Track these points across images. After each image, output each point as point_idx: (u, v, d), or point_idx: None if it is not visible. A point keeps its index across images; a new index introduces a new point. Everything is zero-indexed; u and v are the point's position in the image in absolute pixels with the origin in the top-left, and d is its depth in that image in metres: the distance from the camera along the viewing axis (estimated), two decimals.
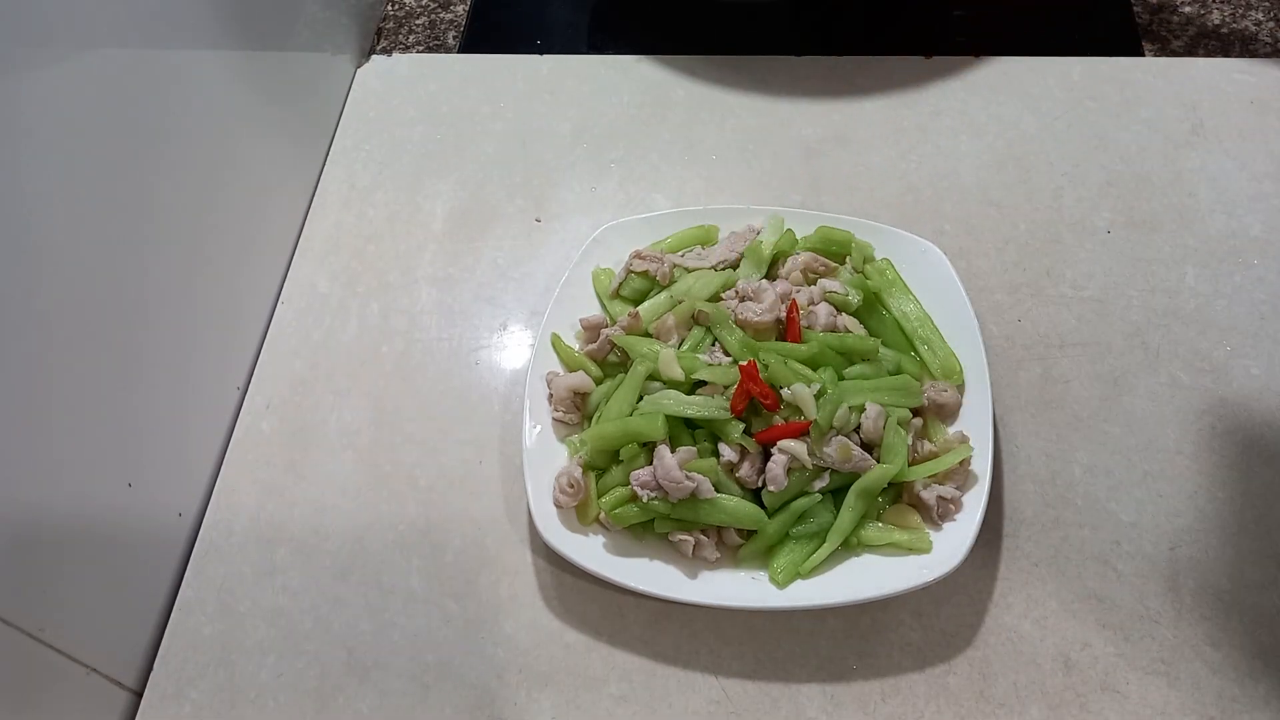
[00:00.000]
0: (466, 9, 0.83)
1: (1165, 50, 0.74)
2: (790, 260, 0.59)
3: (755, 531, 0.51)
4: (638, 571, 0.51)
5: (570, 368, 0.58)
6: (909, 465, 0.52)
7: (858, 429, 0.52)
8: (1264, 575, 0.52)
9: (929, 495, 0.51)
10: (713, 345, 0.56)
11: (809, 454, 0.51)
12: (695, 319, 0.57)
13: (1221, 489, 0.55)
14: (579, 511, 0.53)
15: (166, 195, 0.56)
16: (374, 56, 0.80)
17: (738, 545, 0.52)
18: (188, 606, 0.56)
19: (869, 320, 0.57)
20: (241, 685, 0.53)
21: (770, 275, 0.60)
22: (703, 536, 0.51)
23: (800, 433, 0.51)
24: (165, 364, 0.56)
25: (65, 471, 0.49)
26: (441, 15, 0.83)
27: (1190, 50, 0.74)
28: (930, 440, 0.54)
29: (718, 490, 0.51)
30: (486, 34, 0.82)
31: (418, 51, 0.81)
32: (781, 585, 0.50)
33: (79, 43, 0.49)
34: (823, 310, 0.55)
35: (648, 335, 0.57)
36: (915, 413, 0.54)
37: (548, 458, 0.55)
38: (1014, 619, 0.52)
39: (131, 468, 0.53)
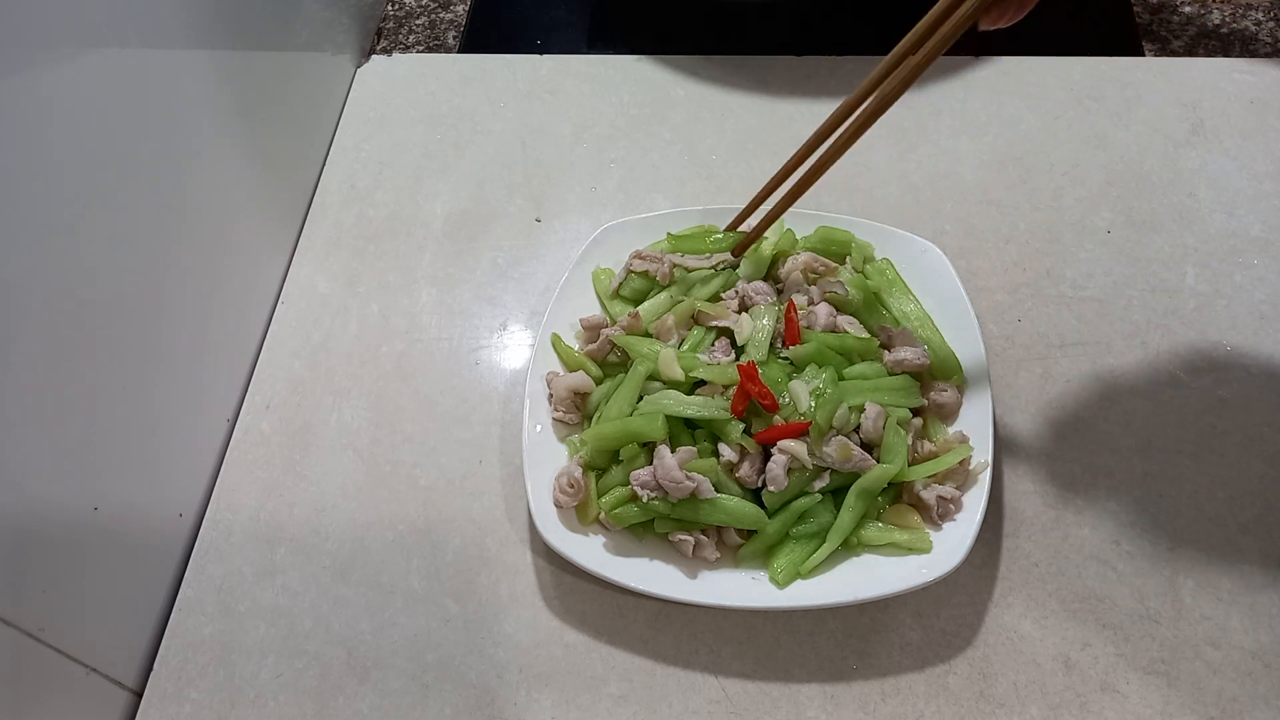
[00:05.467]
0: (466, 9, 0.83)
1: (1165, 50, 0.74)
2: (790, 260, 0.59)
3: (755, 531, 0.51)
4: (638, 571, 0.51)
5: (570, 368, 0.58)
6: (909, 465, 0.52)
7: (858, 429, 0.52)
8: (1264, 575, 0.52)
9: (929, 495, 0.51)
10: (713, 345, 0.56)
11: (809, 454, 0.51)
12: (695, 319, 0.57)
13: (1221, 489, 0.55)
14: (579, 511, 0.53)
15: (166, 195, 0.56)
16: (374, 56, 0.80)
17: (738, 545, 0.52)
18: (188, 606, 0.56)
19: (869, 320, 0.57)
20: (241, 685, 0.53)
21: (770, 275, 0.60)
22: (703, 536, 0.51)
23: (800, 433, 0.51)
24: (165, 364, 0.56)
25: (65, 471, 0.49)
26: (441, 15, 0.83)
27: (1190, 50, 0.74)
28: (930, 440, 0.54)
29: (718, 490, 0.51)
30: (486, 34, 0.82)
31: (418, 51, 0.81)
32: (781, 585, 0.50)
33: (78, 43, 0.49)
34: (823, 310, 0.55)
35: (648, 335, 0.57)
36: (915, 413, 0.54)
37: (548, 458, 0.55)
38: (1014, 619, 0.52)
39: (132, 467, 0.53)
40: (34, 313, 0.46)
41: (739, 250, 0.58)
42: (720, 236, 0.59)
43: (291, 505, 0.59)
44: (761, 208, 0.57)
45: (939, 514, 0.51)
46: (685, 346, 0.56)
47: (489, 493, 0.58)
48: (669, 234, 0.61)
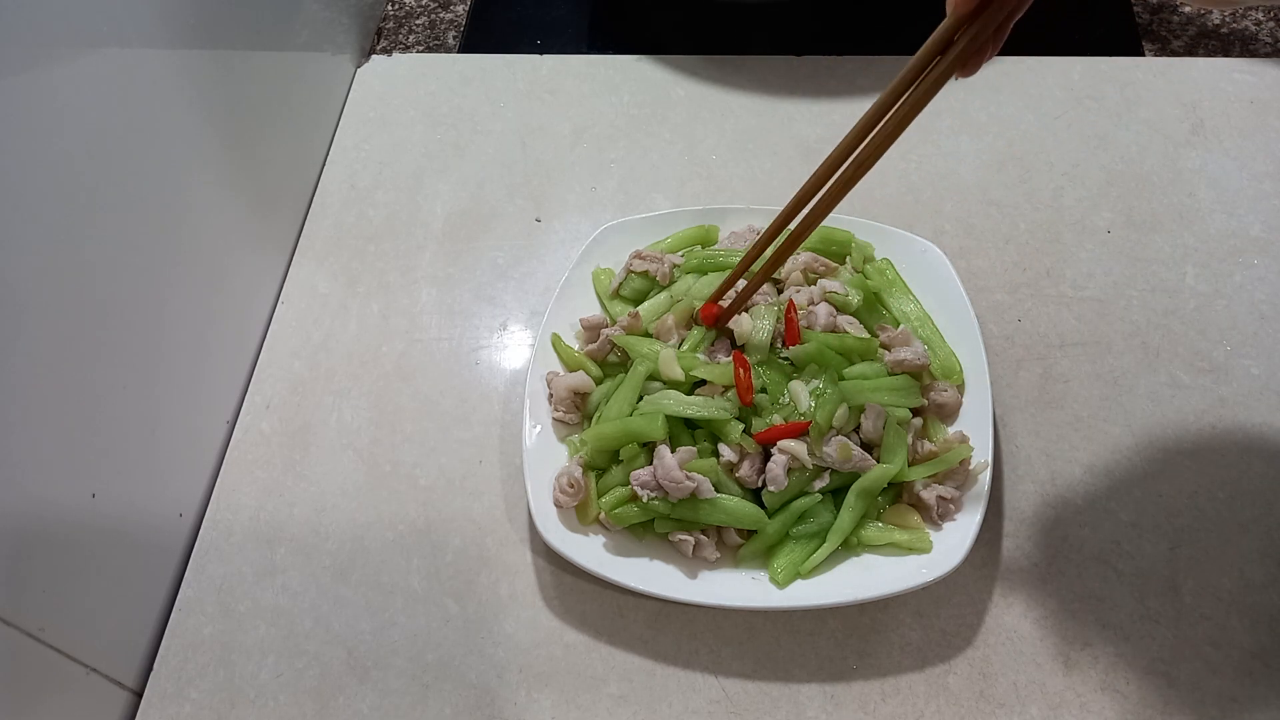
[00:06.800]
0: (466, 9, 0.83)
1: (1165, 50, 0.74)
2: (790, 260, 0.59)
3: (755, 531, 0.51)
4: (638, 571, 0.51)
5: (570, 368, 0.58)
6: (909, 465, 0.52)
7: (858, 429, 0.52)
8: (1264, 575, 0.52)
9: (929, 495, 0.51)
10: (713, 345, 0.56)
11: (809, 454, 0.51)
12: (695, 319, 0.57)
13: (1221, 489, 0.55)
14: (579, 511, 0.53)
15: (166, 194, 0.56)
16: (374, 56, 0.80)
17: (738, 545, 0.52)
18: (188, 606, 0.56)
19: (869, 320, 0.57)
20: (241, 685, 0.53)
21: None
22: (703, 536, 0.51)
23: (800, 433, 0.51)
24: (165, 364, 0.56)
25: (66, 472, 0.49)
26: (441, 15, 0.83)
27: (1190, 50, 0.74)
28: (930, 440, 0.54)
29: (718, 490, 0.51)
30: (486, 34, 0.82)
31: (418, 51, 0.81)
32: (781, 585, 0.50)
33: (78, 44, 0.49)
34: (822, 310, 0.55)
35: (648, 335, 0.57)
36: (915, 413, 0.54)
37: (548, 458, 0.55)
38: (1014, 619, 0.52)
39: (132, 467, 0.53)
40: (35, 313, 0.46)
41: (721, 322, 0.55)
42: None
43: (291, 505, 0.59)
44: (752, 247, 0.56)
45: (939, 514, 0.51)
46: (685, 346, 0.56)
47: (489, 493, 0.58)
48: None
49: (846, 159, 0.44)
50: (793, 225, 0.50)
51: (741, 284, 0.55)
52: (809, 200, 0.47)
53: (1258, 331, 0.60)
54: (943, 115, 0.71)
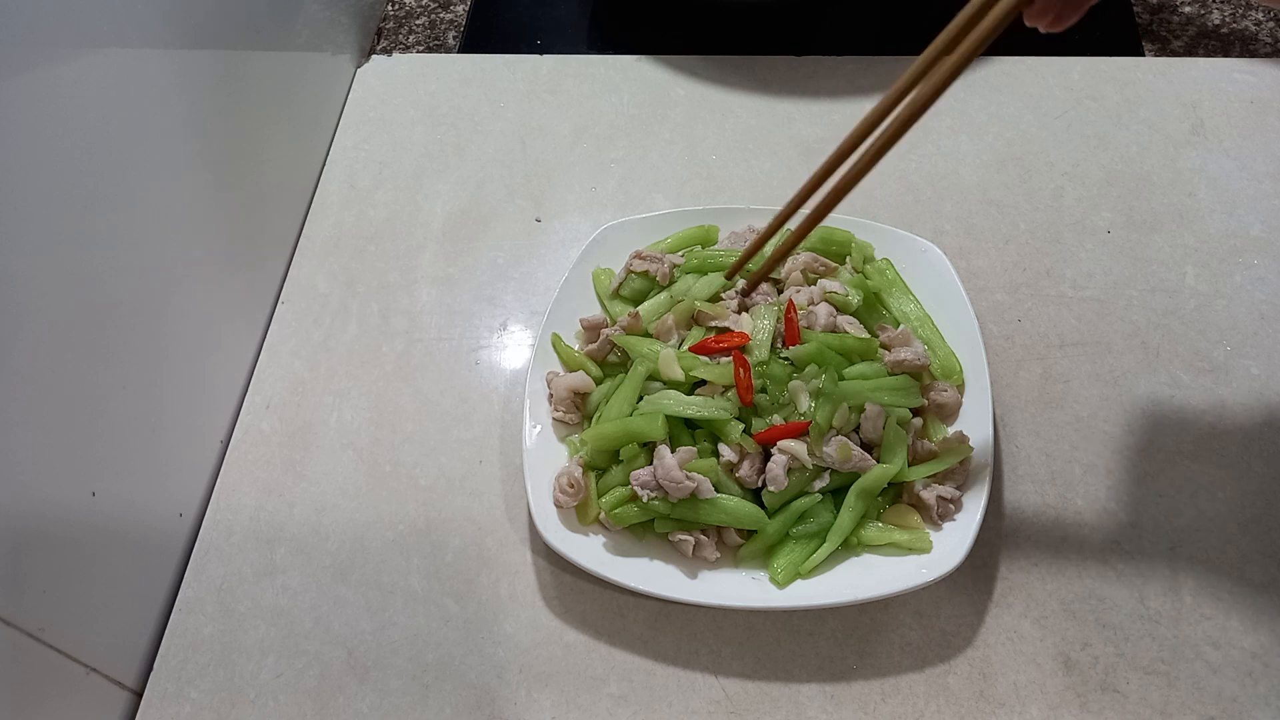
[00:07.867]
0: (466, 9, 0.83)
1: (1165, 50, 0.74)
2: (790, 260, 0.59)
3: (755, 531, 0.51)
4: (638, 571, 0.51)
5: (570, 368, 0.58)
6: (909, 465, 0.52)
7: (858, 429, 0.52)
8: (1264, 575, 0.52)
9: (929, 495, 0.51)
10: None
11: (809, 454, 0.51)
12: (695, 319, 0.57)
13: (1221, 489, 0.55)
14: (579, 511, 0.53)
15: (166, 194, 0.56)
16: (374, 56, 0.80)
17: (738, 545, 0.52)
18: (188, 606, 0.56)
19: (869, 320, 0.57)
20: (241, 685, 0.53)
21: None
22: (703, 536, 0.51)
23: (800, 433, 0.51)
24: (165, 364, 0.56)
25: (66, 471, 0.49)
26: (441, 15, 0.83)
27: (1190, 50, 0.74)
28: (930, 440, 0.54)
29: (718, 490, 0.51)
30: (486, 34, 0.82)
31: (418, 51, 0.81)
32: (781, 585, 0.50)
33: (79, 44, 0.49)
34: (822, 310, 0.55)
35: (648, 335, 0.57)
36: (915, 413, 0.54)
37: (548, 458, 0.55)
38: (1014, 619, 0.52)
39: (132, 466, 0.53)
40: (35, 313, 0.46)
41: (750, 289, 0.57)
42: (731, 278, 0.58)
43: (291, 505, 0.59)
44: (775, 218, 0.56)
45: (939, 514, 0.51)
46: (685, 346, 0.56)
47: (489, 493, 0.58)
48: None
49: (897, 105, 0.42)
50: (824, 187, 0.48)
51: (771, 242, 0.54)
52: (848, 157, 0.45)
53: (1258, 331, 0.60)
54: (943, 115, 0.71)
